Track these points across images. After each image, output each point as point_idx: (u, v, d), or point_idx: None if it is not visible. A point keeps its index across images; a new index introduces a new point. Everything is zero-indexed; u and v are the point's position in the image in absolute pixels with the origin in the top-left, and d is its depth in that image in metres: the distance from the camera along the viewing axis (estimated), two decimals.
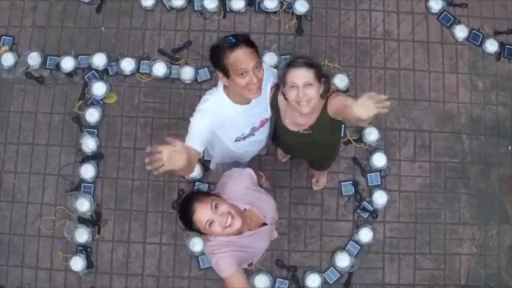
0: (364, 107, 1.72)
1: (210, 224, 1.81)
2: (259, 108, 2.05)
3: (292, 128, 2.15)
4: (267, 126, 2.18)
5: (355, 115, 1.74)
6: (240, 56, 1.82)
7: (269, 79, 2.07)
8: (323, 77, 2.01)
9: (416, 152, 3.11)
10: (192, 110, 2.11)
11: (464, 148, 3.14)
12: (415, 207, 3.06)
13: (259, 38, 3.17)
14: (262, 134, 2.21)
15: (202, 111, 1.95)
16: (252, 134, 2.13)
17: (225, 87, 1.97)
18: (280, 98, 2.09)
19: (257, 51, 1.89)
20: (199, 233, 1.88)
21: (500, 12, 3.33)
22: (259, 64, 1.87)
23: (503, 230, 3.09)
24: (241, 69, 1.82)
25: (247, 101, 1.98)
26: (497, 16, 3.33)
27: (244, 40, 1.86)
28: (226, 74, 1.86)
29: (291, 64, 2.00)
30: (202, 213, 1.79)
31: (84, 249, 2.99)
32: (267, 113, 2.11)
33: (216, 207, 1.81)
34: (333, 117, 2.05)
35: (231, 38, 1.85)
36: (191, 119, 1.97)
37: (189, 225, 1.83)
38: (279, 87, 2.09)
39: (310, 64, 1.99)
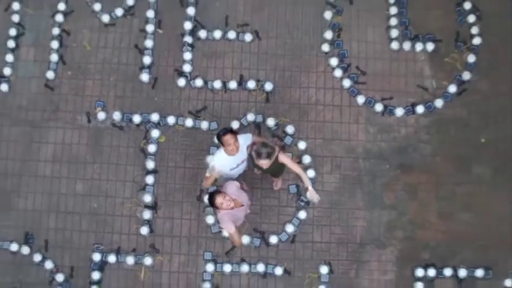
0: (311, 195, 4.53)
1: (222, 204, 4.54)
2: (240, 156, 4.82)
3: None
4: (245, 163, 4.93)
5: (308, 197, 4.64)
6: (227, 138, 4.59)
7: (246, 143, 4.83)
8: (273, 155, 4.68)
9: (332, 168, 5.87)
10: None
11: (360, 167, 5.89)
12: (331, 199, 5.83)
13: (245, 104, 5.95)
14: (243, 166, 4.99)
15: (216, 161, 4.73)
16: (237, 167, 4.89)
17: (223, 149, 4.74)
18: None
19: (235, 134, 4.62)
20: (216, 208, 4.60)
21: (386, 86, 6.07)
22: (236, 140, 4.62)
23: (382, 213, 5.84)
24: (228, 144, 4.60)
25: (234, 154, 4.73)
26: (384, 89, 6.07)
27: (229, 130, 4.62)
28: (222, 144, 4.64)
29: (259, 156, 4.62)
30: (219, 199, 4.55)
31: (148, 223, 5.78)
32: (245, 157, 4.85)
33: (224, 197, 4.55)
34: (280, 163, 4.76)
35: (224, 129, 4.62)
36: (211, 165, 4.75)
37: (212, 204, 4.58)
38: (253, 145, 4.78)
39: (268, 156, 4.61)
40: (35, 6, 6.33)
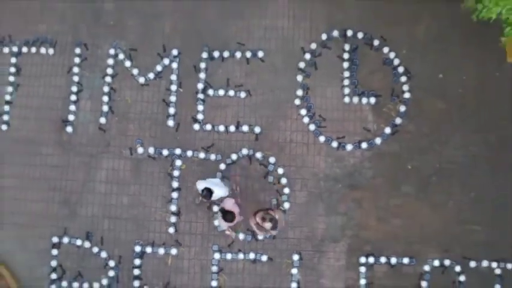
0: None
1: (232, 222, 7.33)
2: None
3: None
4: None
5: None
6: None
7: (223, 188, 7.67)
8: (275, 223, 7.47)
9: (301, 187, 8.65)
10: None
11: (321, 186, 8.65)
12: (301, 209, 8.59)
13: (240, 142, 8.73)
14: None
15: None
16: None
17: None
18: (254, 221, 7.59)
19: (210, 191, 7.46)
20: (227, 221, 7.38)
21: (340, 129, 8.80)
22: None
23: (336, 218, 8.58)
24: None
25: None
26: (339, 131, 8.81)
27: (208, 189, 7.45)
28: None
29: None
30: (232, 218, 7.33)
31: (174, 224, 8.57)
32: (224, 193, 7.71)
33: (237, 218, 7.34)
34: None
35: (206, 188, 7.42)
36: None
37: (224, 215, 7.36)
38: (256, 213, 7.56)
39: (272, 228, 7.42)
40: (89, 70, 9.02)
